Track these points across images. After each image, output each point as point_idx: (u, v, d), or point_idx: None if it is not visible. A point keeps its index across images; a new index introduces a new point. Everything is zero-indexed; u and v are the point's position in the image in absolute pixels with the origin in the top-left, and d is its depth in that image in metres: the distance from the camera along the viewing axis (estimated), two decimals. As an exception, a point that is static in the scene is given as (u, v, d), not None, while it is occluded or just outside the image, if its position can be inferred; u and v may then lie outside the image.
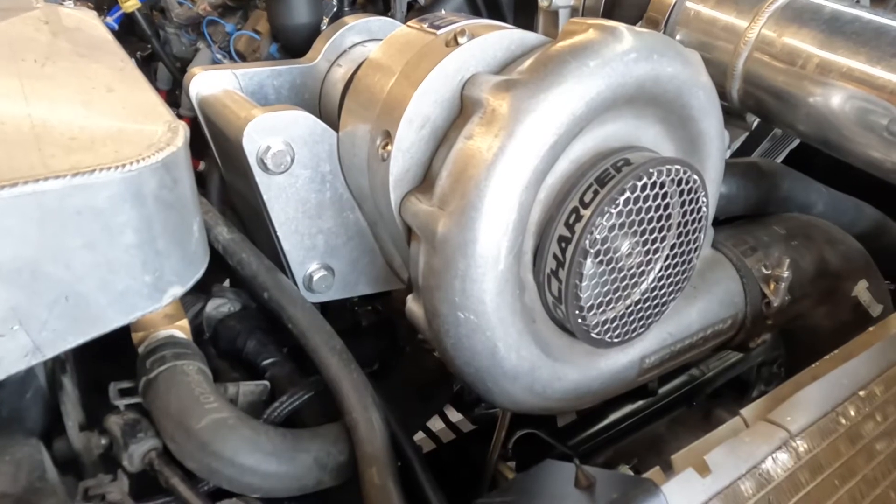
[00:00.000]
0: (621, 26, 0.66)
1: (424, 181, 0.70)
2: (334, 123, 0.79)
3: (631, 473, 1.08)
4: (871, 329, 0.75)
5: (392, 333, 1.03)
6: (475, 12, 1.23)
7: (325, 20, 1.14)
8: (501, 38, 0.69)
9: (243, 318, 0.82)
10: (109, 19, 1.44)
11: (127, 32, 1.54)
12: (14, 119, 0.57)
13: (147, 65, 1.66)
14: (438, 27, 0.72)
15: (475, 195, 0.62)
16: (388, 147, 0.68)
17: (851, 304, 0.98)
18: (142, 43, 1.60)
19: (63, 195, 0.49)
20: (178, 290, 0.59)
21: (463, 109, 0.68)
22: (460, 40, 0.67)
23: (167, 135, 0.58)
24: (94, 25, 0.94)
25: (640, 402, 1.21)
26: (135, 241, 0.54)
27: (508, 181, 0.61)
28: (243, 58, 1.28)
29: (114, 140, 0.56)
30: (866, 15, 0.82)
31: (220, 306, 0.82)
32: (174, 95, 1.64)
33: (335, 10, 1.27)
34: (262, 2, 1.33)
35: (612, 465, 1.10)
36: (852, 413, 0.65)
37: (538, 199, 0.66)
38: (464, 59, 0.67)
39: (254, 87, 0.91)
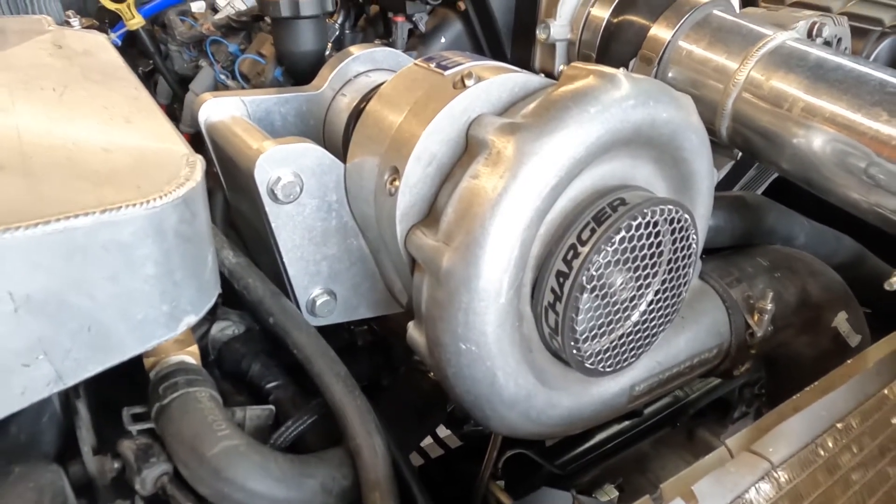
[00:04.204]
0: (620, 73, 0.70)
1: (429, 216, 0.72)
2: (337, 150, 0.82)
3: (617, 493, 1.11)
4: (849, 362, 0.79)
5: (387, 353, 1.05)
6: (474, 42, 1.26)
7: (329, 45, 1.17)
8: (506, 81, 0.72)
9: (248, 341, 0.84)
10: (113, 35, 1.46)
11: (129, 46, 1.56)
12: (43, 151, 0.59)
13: (148, 79, 1.67)
14: (445, 67, 0.75)
15: (479, 232, 0.64)
16: (396, 182, 0.71)
17: (832, 334, 1.02)
18: (144, 58, 1.61)
19: (91, 231, 0.51)
20: (192, 319, 0.61)
21: (468, 148, 0.71)
22: (467, 82, 0.70)
23: (186, 170, 0.60)
24: (105, 48, 0.96)
25: (626, 423, 1.24)
26: (154, 273, 0.56)
27: (511, 220, 0.64)
28: (247, 80, 1.30)
29: (135, 173, 0.58)
30: (849, 63, 0.87)
31: (224, 329, 0.84)
32: (172, 109, 1.65)
33: (337, 33, 1.30)
34: (267, 25, 1.36)
35: (599, 483, 1.12)
36: (830, 444, 0.68)
37: (538, 234, 0.69)
38: (470, 100, 0.70)
39: (261, 113, 0.93)
